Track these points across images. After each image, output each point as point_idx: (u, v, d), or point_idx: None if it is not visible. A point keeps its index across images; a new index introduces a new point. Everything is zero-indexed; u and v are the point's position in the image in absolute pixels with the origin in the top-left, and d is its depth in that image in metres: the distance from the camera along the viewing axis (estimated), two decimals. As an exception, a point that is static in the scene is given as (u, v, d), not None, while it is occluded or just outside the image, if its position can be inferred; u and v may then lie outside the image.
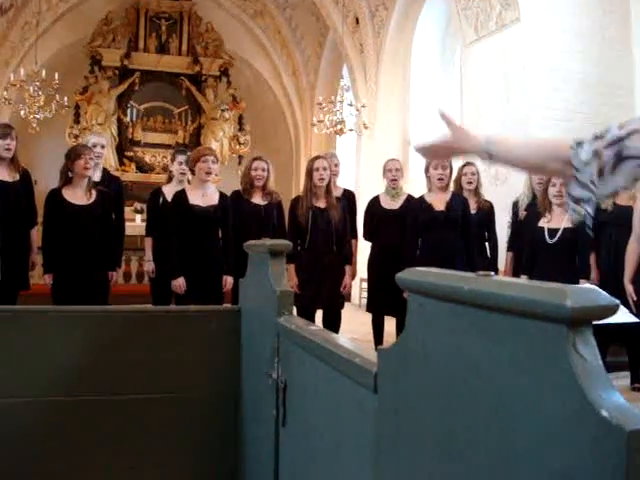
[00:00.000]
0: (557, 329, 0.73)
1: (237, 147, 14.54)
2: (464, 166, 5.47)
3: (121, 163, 14.03)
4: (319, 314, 5.05)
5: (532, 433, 0.76)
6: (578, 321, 0.73)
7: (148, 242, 5.35)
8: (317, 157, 5.15)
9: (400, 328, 5.00)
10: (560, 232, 4.60)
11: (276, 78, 14.93)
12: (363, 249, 5.67)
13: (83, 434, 2.51)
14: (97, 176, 5.04)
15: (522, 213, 5.29)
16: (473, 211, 5.16)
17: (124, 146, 14.23)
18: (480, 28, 7.84)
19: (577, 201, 1.29)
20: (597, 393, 0.69)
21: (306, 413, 1.80)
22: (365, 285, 6.02)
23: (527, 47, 7.17)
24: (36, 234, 4.97)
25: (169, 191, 5.17)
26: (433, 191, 5.01)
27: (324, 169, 4.92)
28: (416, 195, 5.34)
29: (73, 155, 4.59)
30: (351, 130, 11.12)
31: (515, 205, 5.47)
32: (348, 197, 5.56)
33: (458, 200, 5.03)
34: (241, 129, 14.78)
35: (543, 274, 4.36)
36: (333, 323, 4.88)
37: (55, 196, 4.58)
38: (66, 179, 4.60)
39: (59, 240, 4.53)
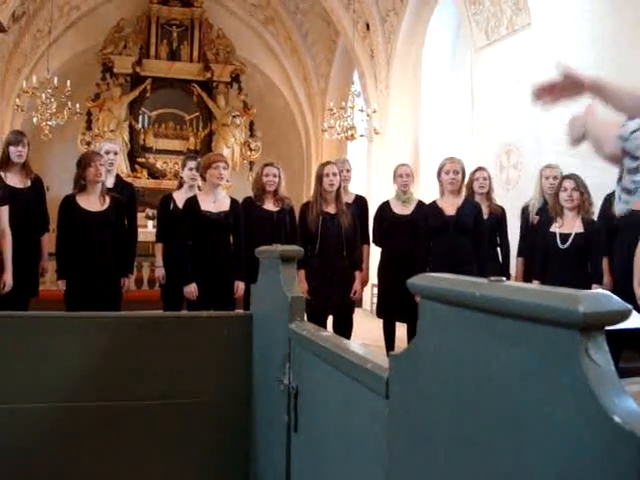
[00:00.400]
0: (569, 335, 0.73)
1: (248, 153, 14.57)
2: (476, 171, 5.46)
3: (133, 169, 14.09)
4: (330, 320, 5.05)
5: (544, 439, 0.76)
6: (591, 326, 0.72)
7: (158, 248, 5.35)
8: (327, 163, 5.13)
9: (411, 334, 4.99)
10: (572, 237, 4.58)
11: (287, 84, 14.96)
12: (373, 255, 5.66)
13: (98, 439, 2.52)
14: (110, 182, 5.05)
15: (534, 218, 5.26)
16: (485, 216, 5.12)
17: (136, 152, 14.29)
18: (491, 33, 7.82)
19: (628, 192, 1.30)
20: (610, 399, 0.68)
21: (317, 419, 1.80)
22: (376, 291, 6.01)
23: (538, 52, 7.15)
24: (47, 241, 4.99)
25: (179, 197, 5.19)
26: (445, 195, 5.00)
27: (334, 175, 4.90)
28: (426, 201, 5.32)
29: (84, 163, 4.62)
30: (362, 136, 11.12)
31: (525, 210, 5.43)
32: (360, 203, 5.55)
33: (470, 205, 5.00)
34: (252, 135, 14.81)
35: (555, 280, 4.34)
36: (344, 329, 4.86)
37: (69, 203, 4.60)
38: (80, 187, 4.63)
39: (73, 246, 4.55)
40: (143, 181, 13.80)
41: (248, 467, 2.62)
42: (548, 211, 4.90)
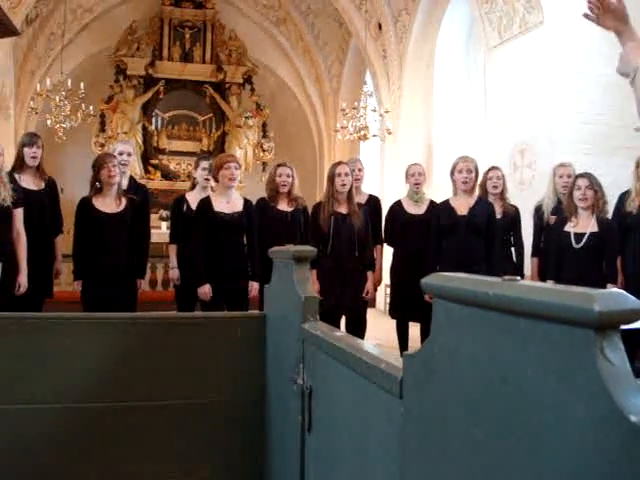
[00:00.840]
0: (584, 334, 0.73)
1: (261, 154, 14.60)
2: (489, 170, 5.43)
3: (146, 171, 14.16)
4: (343, 320, 5.04)
5: (560, 439, 0.75)
6: (606, 325, 0.72)
7: (172, 249, 5.37)
8: (339, 163, 5.11)
9: (425, 334, 4.98)
10: (586, 237, 4.54)
11: (299, 85, 14.97)
12: (386, 254, 5.65)
13: (114, 439, 2.53)
14: (123, 184, 5.08)
15: (548, 217, 5.22)
16: (498, 216, 5.09)
17: (149, 154, 14.36)
18: (504, 31, 7.79)
19: None
20: (626, 398, 0.68)
21: (331, 419, 1.80)
22: (389, 291, 6.00)
23: (551, 50, 7.12)
24: (61, 242, 5.03)
25: (192, 198, 5.20)
26: (458, 195, 4.97)
27: (346, 175, 4.89)
28: (439, 201, 5.30)
29: (97, 165, 4.67)
30: (375, 136, 11.10)
31: (538, 210, 5.39)
32: (373, 203, 5.54)
33: (483, 205, 4.97)
34: (265, 136, 14.84)
35: (570, 279, 4.31)
36: (358, 329, 4.85)
37: (85, 204, 4.64)
38: (96, 189, 4.66)
39: (89, 247, 4.58)
40: (157, 182, 13.87)
41: (262, 467, 2.62)
42: (562, 210, 4.86)
